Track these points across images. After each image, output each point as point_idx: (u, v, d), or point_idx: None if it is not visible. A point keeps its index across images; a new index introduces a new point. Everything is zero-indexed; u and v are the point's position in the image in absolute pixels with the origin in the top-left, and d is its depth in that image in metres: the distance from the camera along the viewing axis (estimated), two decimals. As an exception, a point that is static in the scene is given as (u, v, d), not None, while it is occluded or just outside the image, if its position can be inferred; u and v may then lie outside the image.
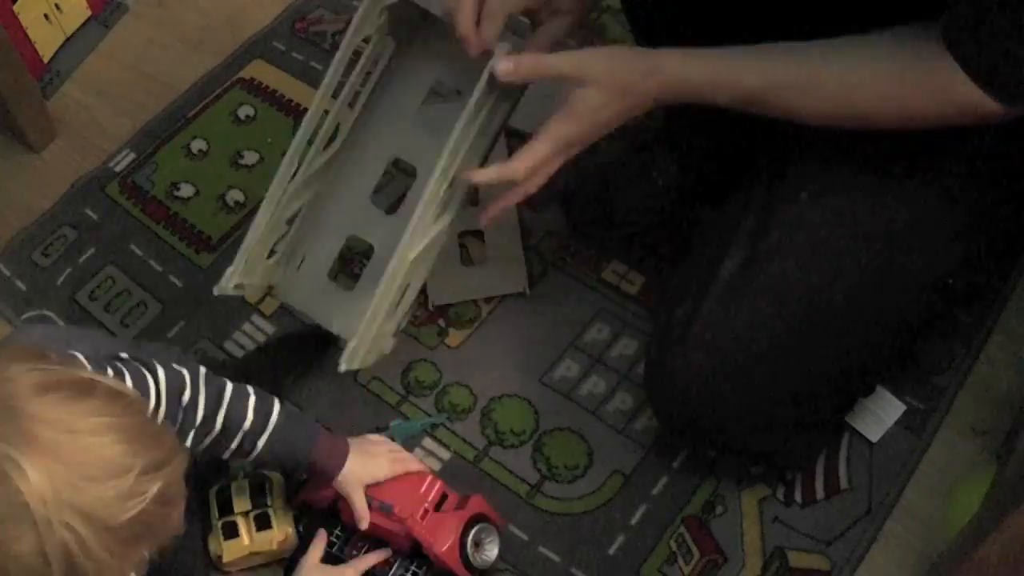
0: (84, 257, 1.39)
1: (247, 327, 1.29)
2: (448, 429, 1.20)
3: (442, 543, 1.03)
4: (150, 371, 0.90)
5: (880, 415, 1.14)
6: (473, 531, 1.05)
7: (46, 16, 1.56)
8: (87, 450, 0.67)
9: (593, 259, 1.31)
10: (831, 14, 0.98)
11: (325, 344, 1.22)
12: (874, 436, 1.14)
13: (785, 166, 1.02)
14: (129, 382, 0.86)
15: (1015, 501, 0.79)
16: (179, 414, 0.92)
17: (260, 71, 1.55)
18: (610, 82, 0.94)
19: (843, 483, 1.12)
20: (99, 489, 0.66)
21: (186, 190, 1.44)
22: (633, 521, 1.12)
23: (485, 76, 0.97)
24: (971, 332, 1.20)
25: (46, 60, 1.58)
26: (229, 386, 0.97)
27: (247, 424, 0.96)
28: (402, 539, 1.06)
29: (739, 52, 0.93)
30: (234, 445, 0.97)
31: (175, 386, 0.92)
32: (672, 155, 1.29)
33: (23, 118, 1.47)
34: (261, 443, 0.98)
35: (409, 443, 1.18)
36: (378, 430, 1.18)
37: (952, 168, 0.96)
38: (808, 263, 0.97)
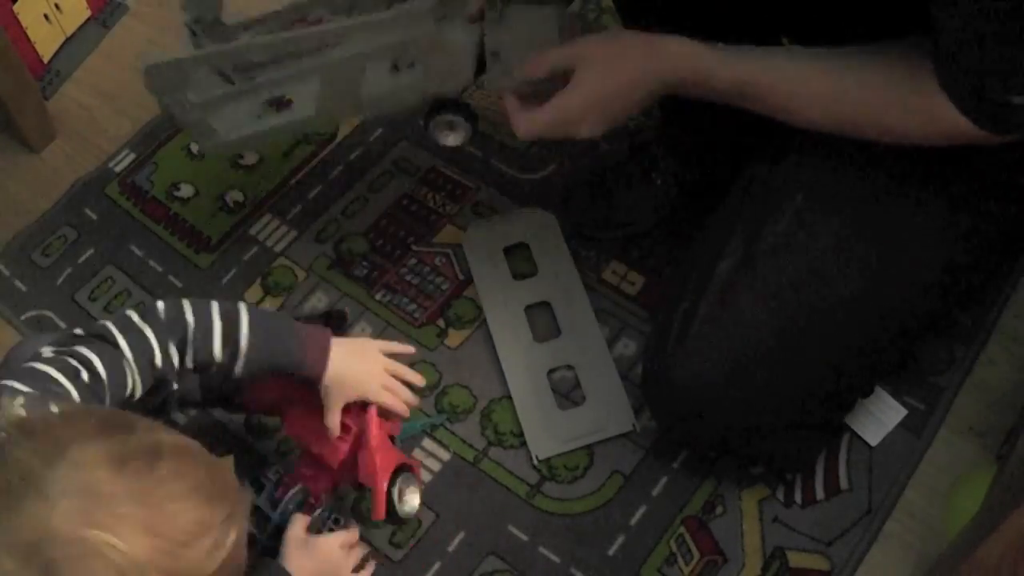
0: (84, 257, 1.39)
1: (247, 327, 1.29)
2: (448, 430, 1.20)
3: (379, 475, 1.02)
4: (111, 342, 0.88)
5: (880, 418, 1.14)
6: (400, 478, 1.05)
7: (46, 16, 1.57)
8: (174, 517, 0.68)
9: (593, 259, 1.31)
10: (824, 15, 0.98)
11: (337, 326, 1.20)
12: (874, 440, 1.14)
13: (782, 167, 1.02)
14: (103, 370, 0.85)
15: (1015, 501, 0.79)
16: (152, 374, 0.90)
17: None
18: (607, 55, 0.96)
19: (843, 483, 1.12)
20: (192, 552, 0.68)
21: (186, 190, 1.44)
22: (633, 521, 1.12)
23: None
24: (971, 332, 1.20)
25: (46, 60, 1.58)
26: (188, 308, 0.92)
27: (217, 327, 0.92)
28: (330, 477, 1.06)
29: (739, 47, 0.94)
30: (217, 353, 0.93)
31: (143, 350, 0.89)
32: (671, 156, 1.29)
33: (23, 118, 1.47)
34: (243, 342, 0.93)
35: (409, 443, 1.18)
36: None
37: (953, 171, 0.96)
38: (805, 264, 0.97)
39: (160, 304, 0.92)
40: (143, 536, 0.66)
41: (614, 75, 0.96)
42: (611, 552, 1.11)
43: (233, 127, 1.14)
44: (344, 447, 1.04)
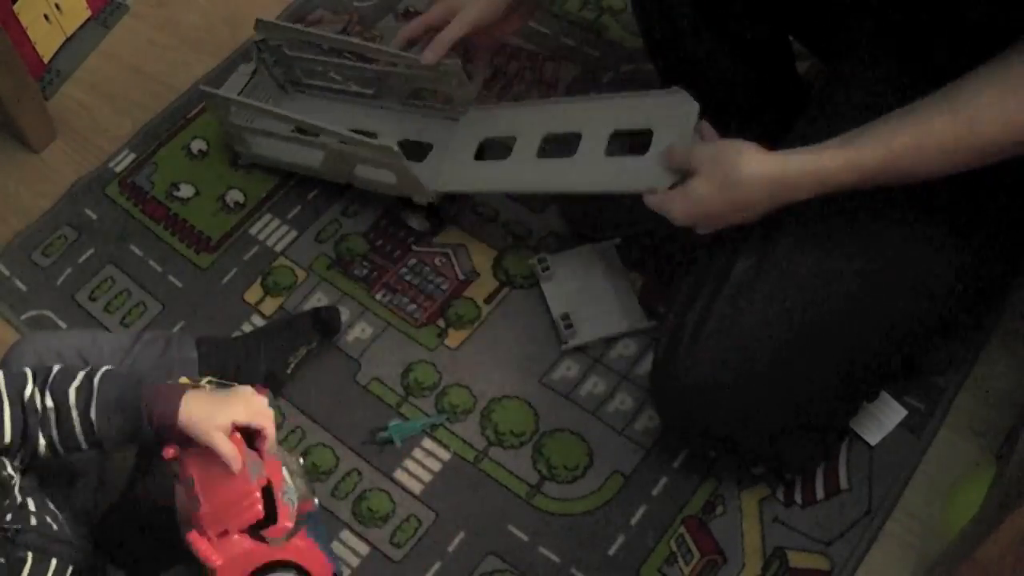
0: (84, 257, 1.39)
1: (246, 327, 1.29)
2: (448, 430, 1.20)
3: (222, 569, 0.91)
4: None
5: (881, 419, 1.14)
6: None
7: (46, 16, 1.56)
8: None
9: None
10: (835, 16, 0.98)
11: (324, 327, 1.23)
12: (873, 440, 1.14)
13: None
14: None
15: (1015, 501, 0.79)
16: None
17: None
18: (719, 173, 0.97)
19: (843, 483, 1.12)
20: None
21: (186, 190, 1.44)
22: (633, 521, 1.12)
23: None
24: (971, 332, 1.20)
25: (46, 60, 1.58)
26: (55, 369, 0.92)
27: (72, 394, 0.90)
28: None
29: (850, 135, 0.92)
30: (76, 425, 0.90)
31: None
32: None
33: (23, 118, 1.47)
34: (94, 412, 0.90)
35: (409, 443, 1.18)
36: (377, 431, 1.19)
37: (962, 183, 0.96)
38: (816, 270, 0.97)
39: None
40: None
41: (718, 195, 0.98)
42: (611, 552, 1.11)
43: (266, 147, 1.39)
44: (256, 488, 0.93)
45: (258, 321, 1.30)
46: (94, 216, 1.43)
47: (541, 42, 1.53)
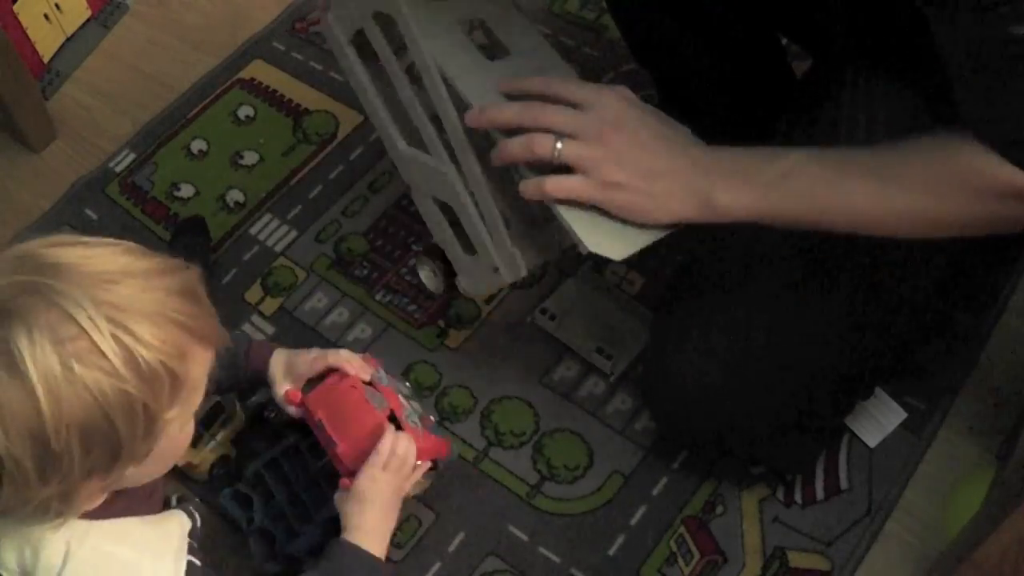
0: (84, 257, 1.39)
1: (246, 327, 1.29)
2: (448, 430, 1.20)
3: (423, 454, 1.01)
4: None
5: (880, 420, 1.14)
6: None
7: (46, 16, 1.57)
8: (103, 263, 0.76)
9: (593, 260, 1.30)
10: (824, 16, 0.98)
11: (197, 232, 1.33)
12: (872, 441, 1.14)
13: None
14: None
15: (1015, 501, 0.79)
16: None
17: (260, 71, 1.55)
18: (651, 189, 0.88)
19: (843, 483, 1.12)
20: (120, 288, 0.75)
21: (186, 190, 1.44)
22: (633, 521, 1.12)
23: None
24: (971, 332, 1.20)
25: (46, 60, 1.58)
26: None
27: None
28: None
29: (784, 181, 0.87)
30: None
31: None
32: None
33: (23, 118, 1.47)
34: None
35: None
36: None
37: None
38: (803, 268, 0.97)
39: None
40: (75, 275, 0.74)
41: (657, 207, 0.89)
42: (611, 552, 1.11)
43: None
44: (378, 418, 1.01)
45: (258, 321, 1.30)
46: (94, 216, 1.43)
47: (541, 42, 1.53)
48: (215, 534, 1.06)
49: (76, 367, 0.71)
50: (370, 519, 0.97)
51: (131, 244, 0.81)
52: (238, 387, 1.11)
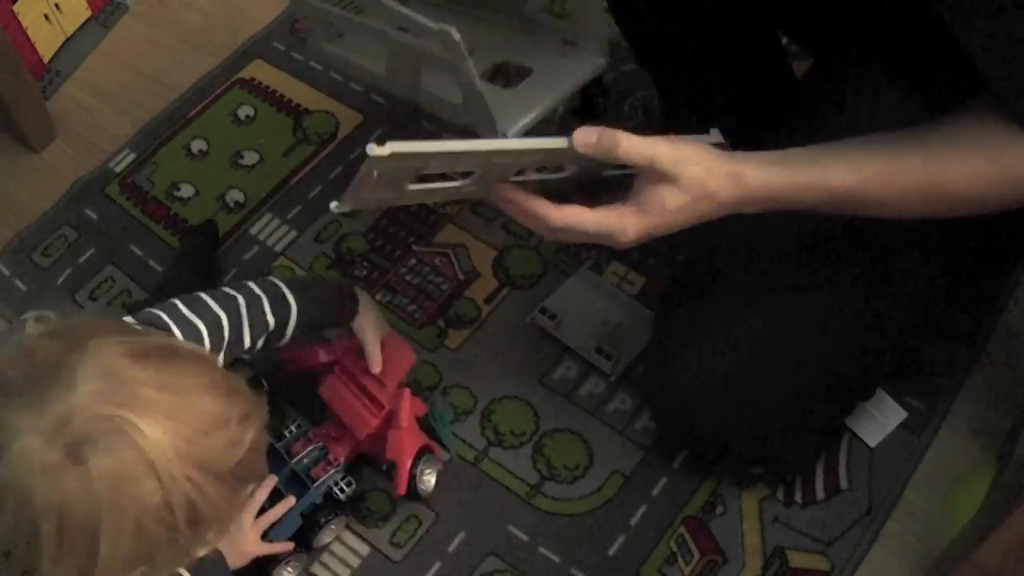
0: (84, 257, 1.39)
1: (247, 327, 1.29)
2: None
3: (406, 455, 1.09)
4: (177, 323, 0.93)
5: (881, 420, 1.14)
6: (423, 459, 1.11)
7: (46, 16, 1.57)
8: (192, 406, 0.72)
9: (593, 259, 1.31)
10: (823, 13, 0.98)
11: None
12: (873, 441, 1.14)
13: None
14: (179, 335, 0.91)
15: (1015, 501, 0.79)
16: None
17: (260, 71, 1.55)
18: (696, 186, 0.82)
19: (843, 483, 1.12)
20: (210, 441, 0.71)
21: (186, 190, 1.44)
22: (633, 521, 1.12)
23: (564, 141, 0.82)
24: (971, 332, 1.20)
25: (46, 60, 1.58)
26: (241, 301, 0.98)
27: (271, 325, 1.00)
28: (352, 444, 1.12)
29: (821, 151, 0.85)
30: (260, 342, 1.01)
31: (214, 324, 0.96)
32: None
33: (23, 118, 1.47)
34: (290, 329, 1.02)
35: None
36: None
37: None
38: (804, 270, 0.97)
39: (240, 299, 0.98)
40: (164, 419, 0.69)
41: (690, 207, 0.83)
42: (611, 552, 1.11)
43: (338, 43, 1.25)
44: (374, 422, 1.10)
45: (258, 321, 1.30)
46: (94, 216, 1.43)
47: (541, 42, 1.53)
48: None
49: (145, 522, 0.69)
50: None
51: (217, 369, 0.78)
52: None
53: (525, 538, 1.12)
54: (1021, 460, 0.94)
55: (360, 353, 1.12)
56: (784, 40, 1.25)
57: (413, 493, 1.11)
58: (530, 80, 1.14)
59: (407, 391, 1.12)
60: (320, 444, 1.11)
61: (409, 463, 1.09)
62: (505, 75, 1.15)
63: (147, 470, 0.68)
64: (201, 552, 0.76)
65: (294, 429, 1.13)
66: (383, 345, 1.12)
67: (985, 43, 0.77)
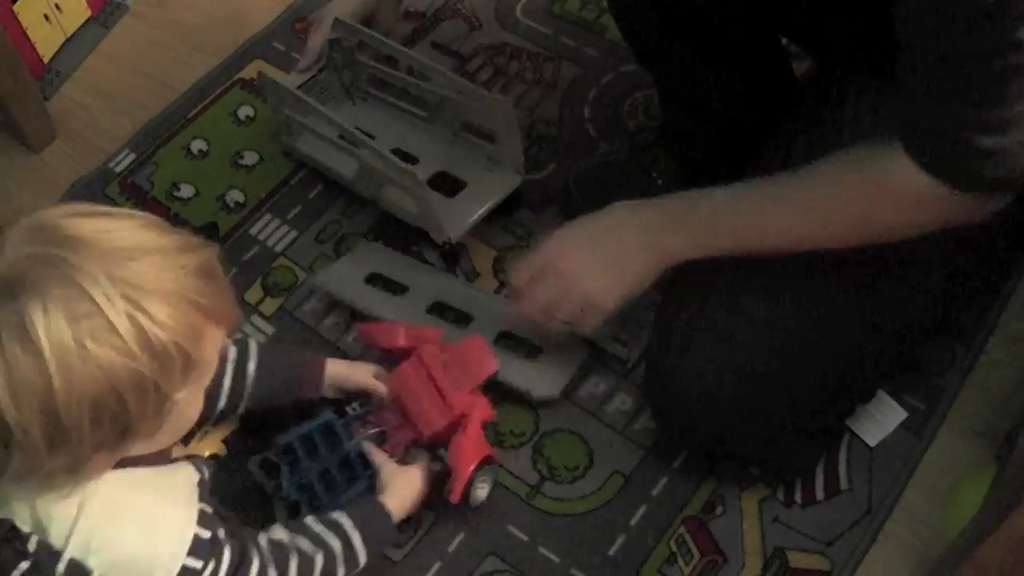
0: (84, 257, 1.38)
1: (247, 328, 1.29)
2: (448, 429, 1.20)
3: (468, 462, 1.06)
4: None
5: (881, 420, 1.14)
6: (484, 468, 1.08)
7: (46, 16, 1.56)
8: (122, 238, 0.76)
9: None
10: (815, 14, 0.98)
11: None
12: (873, 441, 1.14)
13: (784, 167, 1.02)
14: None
15: (1015, 501, 0.79)
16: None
17: (260, 71, 1.55)
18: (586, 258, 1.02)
19: (843, 483, 1.12)
20: (138, 265, 0.75)
21: (186, 190, 1.44)
22: (633, 521, 1.12)
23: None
24: (971, 332, 1.20)
25: (46, 60, 1.58)
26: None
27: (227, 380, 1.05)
28: (412, 437, 1.09)
29: (714, 200, 0.96)
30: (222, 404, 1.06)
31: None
32: (671, 156, 1.29)
33: (23, 118, 1.47)
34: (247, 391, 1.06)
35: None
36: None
37: None
38: (805, 273, 0.97)
39: None
40: (95, 251, 0.75)
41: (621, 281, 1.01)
42: (611, 552, 1.11)
43: (311, 145, 1.37)
44: (442, 423, 1.08)
45: (258, 322, 1.30)
46: (94, 216, 1.42)
47: (541, 42, 1.53)
48: (240, 498, 1.09)
49: (89, 344, 0.72)
50: (405, 493, 1.04)
51: (152, 218, 0.81)
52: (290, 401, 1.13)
53: (525, 538, 1.12)
54: (1021, 460, 0.94)
55: (439, 343, 1.12)
56: (784, 41, 1.25)
57: (466, 500, 1.09)
58: (466, 192, 1.28)
59: (484, 399, 1.11)
60: (380, 428, 1.10)
61: (469, 471, 1.06)
62: (443, 184, 1.29)
63: (82, 295, 0.72)
64: (180, 394, 0.79)
65: (356, 408, 1.12)
66: (467, 344, 1.12)
67: (910, 16, 0.78)
